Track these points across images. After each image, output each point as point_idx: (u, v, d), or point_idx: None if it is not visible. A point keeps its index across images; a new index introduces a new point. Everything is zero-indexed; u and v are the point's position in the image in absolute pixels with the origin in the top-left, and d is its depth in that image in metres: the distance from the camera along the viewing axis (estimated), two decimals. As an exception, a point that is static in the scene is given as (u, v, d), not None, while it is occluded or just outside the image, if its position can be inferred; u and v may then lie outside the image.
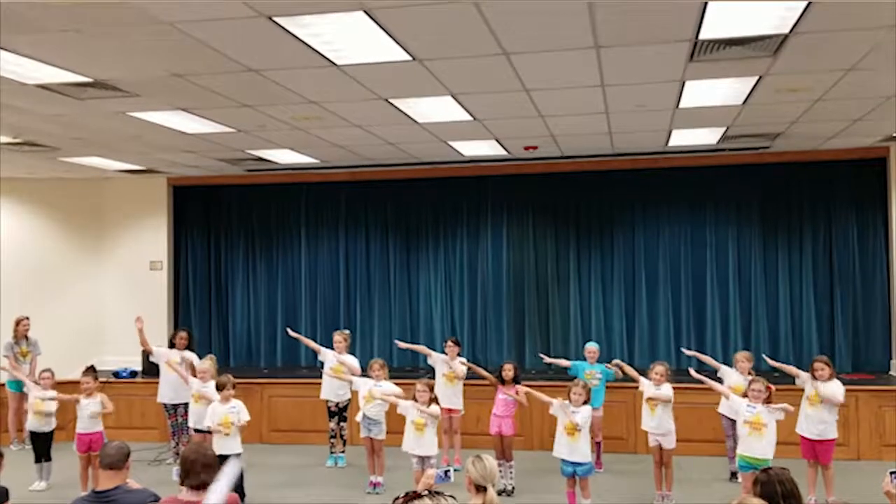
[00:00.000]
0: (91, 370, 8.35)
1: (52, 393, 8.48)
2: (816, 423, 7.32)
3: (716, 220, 11.31)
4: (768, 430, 6.74)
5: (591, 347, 8.90)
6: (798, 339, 10.97)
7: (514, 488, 7.94)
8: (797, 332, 11.00)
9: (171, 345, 9.59)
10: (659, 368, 7.66)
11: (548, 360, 9.41)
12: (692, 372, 8.00)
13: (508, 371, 8.14)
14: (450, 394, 8.75)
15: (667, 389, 7.53)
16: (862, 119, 8.29)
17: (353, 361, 8.98)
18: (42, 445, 8.50)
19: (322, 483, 8.60)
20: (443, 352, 9.12)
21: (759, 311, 11.10)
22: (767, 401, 6.87)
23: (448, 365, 8.90)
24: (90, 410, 8.04)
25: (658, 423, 7.51)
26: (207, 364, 8.51)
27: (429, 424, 7.32)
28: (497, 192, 11.84)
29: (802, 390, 7.58)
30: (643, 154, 10.53)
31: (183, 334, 9.64)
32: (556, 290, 11.73)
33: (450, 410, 8.73)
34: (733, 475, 8.15)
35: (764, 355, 8.53)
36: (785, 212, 11.09)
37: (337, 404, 9.17)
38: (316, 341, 12.11)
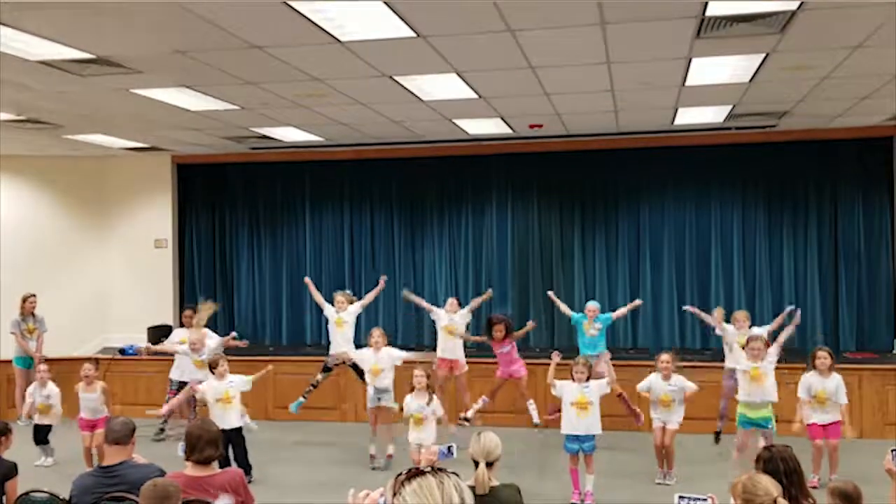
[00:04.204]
0: (93, 360, 8.39)
1: (55, 396, 8.50)
2: (827, 412, 7.44)
3: (721, 198, 11.28)
4: (768, 378, 6.99)
5: (591, 306, 9.00)
6: (802, 319, 10.86)
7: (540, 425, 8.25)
8: (802, 310, 10.97)
9: (181, 324, 9.62)
10: (665, 357, 7.65)
11: (553, 297, 9.49)
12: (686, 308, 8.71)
13: (498, 332, 8.22)
14: (450, 346, 8.87)
15: (684, 386, 7.57)
16: (868, 97, 8.24)
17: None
18: (42, 434, 8.56)
19: (327, 461, 8.65)
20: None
21: (764, 289, 11.10)
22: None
23: (448, 317, 8.99)
24: (91, 406, 8.05)
25: (672, 415, 7.59)
26: (196, 335, 8.52)
27: (428, 418, 7.36)
28: (502, 170, 11.81)
29: (804, 367, 7.65)
30: (649, 133, 10.48)
31: (188, 313, 9.67)
32: (561, 268, 11.73)
33: (450, 365, 8.77)
34: (717, 435, 8.39)
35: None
36: (790, 191, 11.06)
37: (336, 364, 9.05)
38: (321, 320, 12.18)
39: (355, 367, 8.87)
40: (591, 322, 8.81)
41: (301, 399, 9.10)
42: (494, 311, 11.80)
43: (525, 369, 8.55)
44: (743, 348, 7.32)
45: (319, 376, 9.11)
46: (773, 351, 7.14)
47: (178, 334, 9.61)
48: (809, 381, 7.55)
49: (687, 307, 9.31)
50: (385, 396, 8.26)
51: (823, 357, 7.52)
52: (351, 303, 9.04)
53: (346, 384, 9.88)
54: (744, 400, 7.09)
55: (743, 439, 7.14)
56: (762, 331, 8.20)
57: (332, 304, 8.93)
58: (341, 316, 8.88)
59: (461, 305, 9.23)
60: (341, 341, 8.89)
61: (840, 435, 7.49)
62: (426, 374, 7.56)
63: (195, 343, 8.45)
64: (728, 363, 8.50)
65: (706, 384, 8.81)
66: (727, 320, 8.47)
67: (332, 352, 9.03)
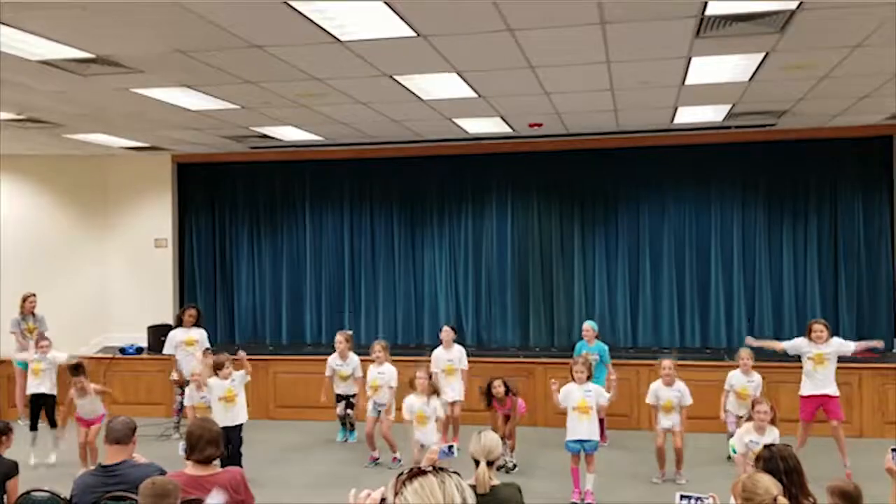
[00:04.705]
0: (80, 371, 8.18)
1: (53, 366, 8.49)
2: (824, 381, 7.47)
3: (721, 197, 11.28)
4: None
5: (587, 326, 8.85)
6: (802, 318, 10.93)
7: (515, 465, 8.00)
8: (801, 310, 11.00)
9: (180, 322, 9.58)
10: (667, 363, 7.62)
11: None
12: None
13: (499, 388, 8.06)
14: (450, 386, 8.66)
15: (685, 395, 7.60)
16: (868, 96, 8.24)
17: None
18: (46, 408, 8.55)
19: (327, 461, 8.66)
20: (438, 341, 9.12)
21: (764, 289, 11.10)
22: (772, 421, 6.68)
23: (447, 357, 8.78)
24: (88, 408, 8.03)
25: (675, 421, 7.60)
26: (200, 368, 8.26)
27: (430, 417, 7.47)
28: (502, 169, 11.81)
29: (798, 361, 7.66)
30: (648, 132, 10.48)
31: (192, 311, 9.65)
32: (561, 267, 11.73)
33: (451, 403, 8.75)
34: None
35: (748, 338, 8.55)
36: (790, 190, 11.05)
37: (347, 394, 9.13)
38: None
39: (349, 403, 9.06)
40: (587, 354, 8.53)
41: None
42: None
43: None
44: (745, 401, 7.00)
45: (339, 411, 9.22)
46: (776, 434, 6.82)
47: (178, 336, 9.52)
48: (803, 345, 7.52)
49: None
50: (384, 410, 8.31)
51: (820, 331, 7.47)
52: (349, 341, 9.02)
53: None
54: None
55: (744, 467, 6.83)
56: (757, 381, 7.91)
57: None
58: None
59: (455, 331, 9.13)
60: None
61: (841, 415, 7.48)
62: (428, 376, 7.64)
63: (198, 376, 8.23)
64: (729, 406, 8.14)
65: (706, 383, 8.85)
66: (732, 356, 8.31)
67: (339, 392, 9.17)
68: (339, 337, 9.06)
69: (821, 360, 7.45)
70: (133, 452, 4.56)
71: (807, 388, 7.54)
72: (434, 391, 7.57)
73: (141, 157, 12.08)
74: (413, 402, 7.49)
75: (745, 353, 8.15)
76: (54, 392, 8.66)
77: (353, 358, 8.98)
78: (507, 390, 8.07)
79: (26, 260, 11.53)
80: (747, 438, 6.38)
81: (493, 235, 11.94)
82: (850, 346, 7.56)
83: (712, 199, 11.31)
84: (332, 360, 9.04)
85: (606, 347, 8.82)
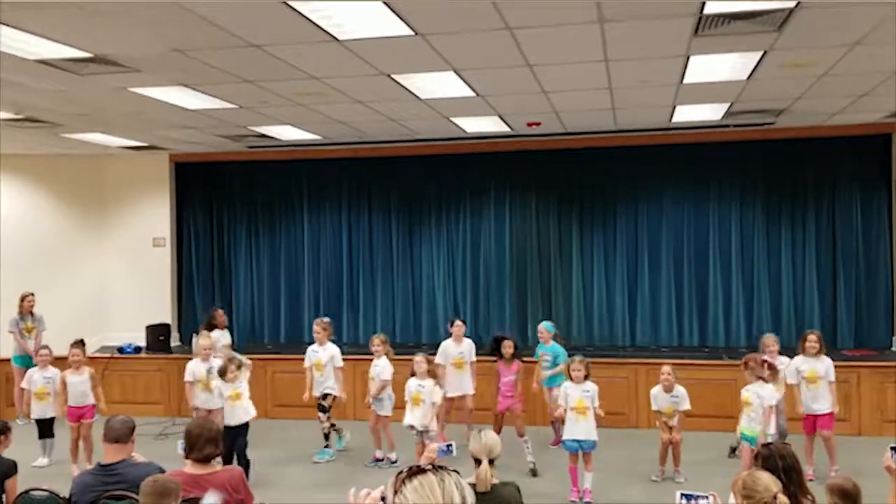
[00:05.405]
0: (80, 343, 8.35)
1: (56, 379, 8.49)
2: (819, 399, 7.49)
3: (719, 196, 11.28)
4: (754, 406, 6.76)
5: (541, 328, 8.80)
6: (801, 316, 10.97)
7: (534, 464, 7.92)
8: (800, 308, 11.00)
9: (211, 326, 9.53)
10: (666, 369, 7.65)
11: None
12: None
13: (508, 348, 8.19)
14: (460, 379, 8.65)
15: (683, 400, 7.62)
16: (867, 95, 8.24)
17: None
18: (46, 426, 8.60)
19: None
20: (448, 334, 9.04)
21: (762, 288, 11.10)
22: (771, 368, 6.88)
23: (457, 350, 8.76)
24: (80, 389, 8.09)
25: (674, 422, 7.64)
26: (208, 341, 8.51)
27: (425, 400, 7.52)
28: (500, 168, 11.80)
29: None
30: (646, 130, 10.47)
31: (223, 313, 9.78)
32: (559, 266, 11.73)
33: (459, 405, 8.74)
34: (733, 451, 8.19)
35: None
36: (789, 188, 11.05)
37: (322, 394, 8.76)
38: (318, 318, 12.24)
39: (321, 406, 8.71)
40: (542, 354, 8.63)
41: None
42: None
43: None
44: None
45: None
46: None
47: (222, 340, 9.49)
48: (798, 364, 7.58)
49: None
50: (377, 404, 8.29)
51: (813, 341, 7.55)
52: (326, 329, 8.84)
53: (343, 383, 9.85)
54: (741, 427, 6.93)
55: (745, 458, 6.72)
56: (786, 363, 7.80)
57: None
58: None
59: (465, 324, 9.10)
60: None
61: (833, 426, 7.51)
62: (426, 360, 7.73)
63: (207, 349, 8.33)
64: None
65: (704, 382, 8.86)
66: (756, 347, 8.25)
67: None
68: (316, 327, 8.86)
69: (815, 377, 7.49)
70: (132, 451, 4.56)
71: (805, 406, 7.55)
72: (434, 376, 7.69)
73: (139, 156, 12.07)
74: (410, 383, 7.63)
75: (769, 340, 8.02)
76: (54, 414, 8.66)
77: (331, 346, 8.76)
78: (515, 352, 8.24)
79: (25, 259, 11.52)
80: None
81: (491, 234, 11.93)
82: (832, 378, 7.56)
83: (711, 197, 11.30)
84: (311, 348, 8.85)
85: (562, 350, 8.63)
